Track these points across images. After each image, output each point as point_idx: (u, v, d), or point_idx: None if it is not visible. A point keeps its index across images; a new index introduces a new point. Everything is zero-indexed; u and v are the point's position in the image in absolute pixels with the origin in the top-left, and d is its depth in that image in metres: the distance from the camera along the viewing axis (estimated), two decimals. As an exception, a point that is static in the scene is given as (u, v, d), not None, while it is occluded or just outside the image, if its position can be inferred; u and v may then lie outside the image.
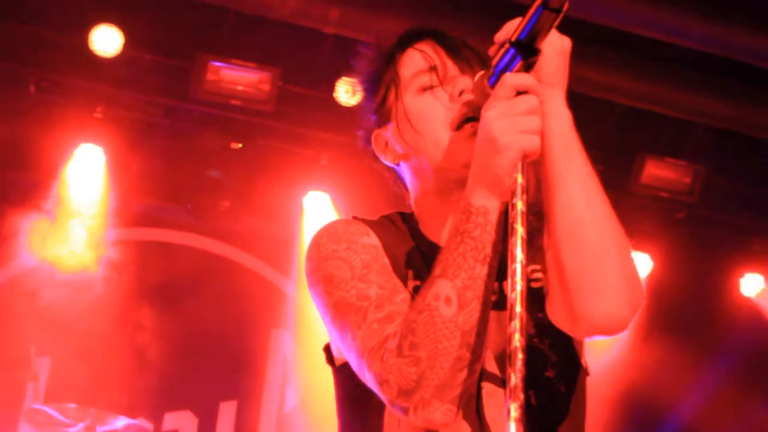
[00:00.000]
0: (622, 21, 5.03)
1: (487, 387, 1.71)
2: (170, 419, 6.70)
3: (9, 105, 6.08)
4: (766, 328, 7.01)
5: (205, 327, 6.72)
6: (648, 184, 6.33)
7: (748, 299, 7.06)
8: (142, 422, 5.34)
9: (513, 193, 1.50)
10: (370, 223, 1.89)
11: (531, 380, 1.57)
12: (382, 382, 1.60)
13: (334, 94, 5.93)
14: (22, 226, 6.31)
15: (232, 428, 6.89)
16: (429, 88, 1.83)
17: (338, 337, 1.75)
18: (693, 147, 6.28)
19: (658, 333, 6.61)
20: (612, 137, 6.03)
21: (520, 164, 1.50)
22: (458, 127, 1.74)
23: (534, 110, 1.52)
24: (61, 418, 5.04)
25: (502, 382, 1.65)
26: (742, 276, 7.04)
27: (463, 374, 1.56)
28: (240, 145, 6.41)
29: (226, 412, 6.87)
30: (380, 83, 1.92)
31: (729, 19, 5.09)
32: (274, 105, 5.97)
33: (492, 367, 1.71)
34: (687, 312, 6.87)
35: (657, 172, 6.33)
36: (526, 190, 1.50)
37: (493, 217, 1.57)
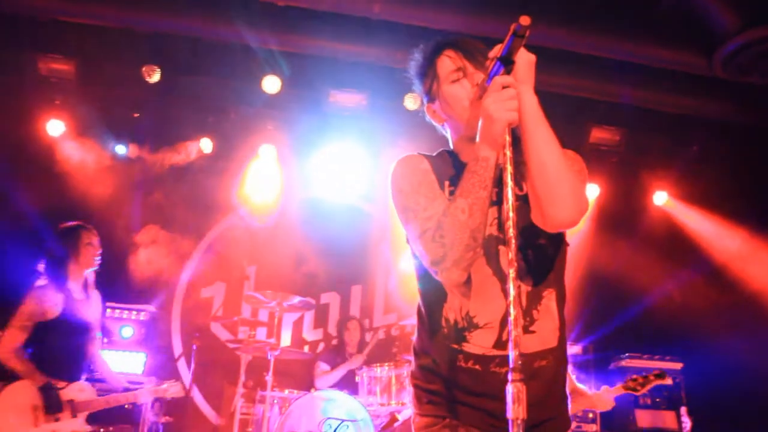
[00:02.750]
0: (567, 44, 4.92)
1: (503, 249, 1.68)
2: (324, 297, 6.73)
3: (220, 125, 6.17)
4: (671, 224, 6.78)
5: (343, 242, 6.56)
6: (594, 142, 6.20)
7: (658, 207, 6.88)
8: (308, 299, 5.26)
9: (504, 146, 1.51)
10: (428, 156, 1.84)
11: (530, 245, 1.69)
12: (422, 256, 1.64)
13: (403, 103, 5.81)
14: (234, 193, 6.46)
15: (360, 301, 6.83)
16: (457, 80, 1.76)
17: (404, 227, 1.74)
18: (621, 118, 6.10)
19: (604, 229, 6.54)
20: (571, 115, 5.91)
21: (507, 129, 1.52)
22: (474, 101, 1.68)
23: (513, 97, 1.53)
24: (263, 298, 5.07)
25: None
26: (653, 193, 6.86)
27: (470, 253, 1.58)
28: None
29: (356, 291, 6.87)
30: (426, 76, 1.84)
31: (638, 39, 4.90)
32: (368, 112, 5.95)
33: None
34: (621, 216, 6.73)
35: (599, 134, 6.20)
36: (511, 144, 1.51)
37: (492, 162, 1.58)
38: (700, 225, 6.65)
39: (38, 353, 3.89)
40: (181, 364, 6.13)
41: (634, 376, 4.07)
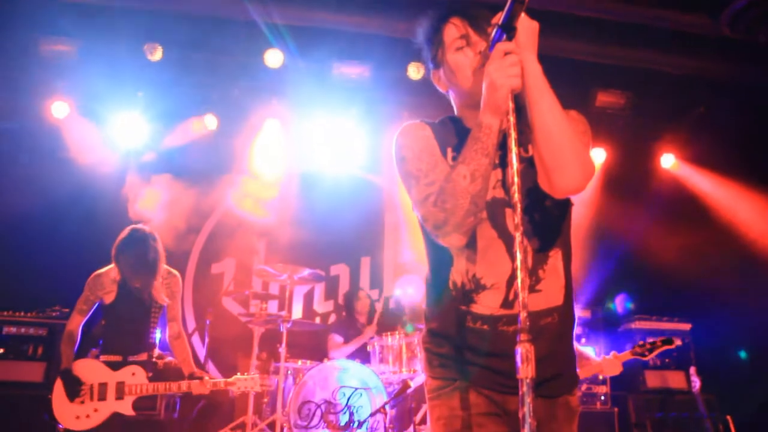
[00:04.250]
0: (571, 8, 4.87)
1: (508, 211, 1.70)
2: (333, 269, 6.77)
3: (224, 100, 6.12)
4: (678, 186, 6.79)
5: (351, 214, 6.53)
6: (600, 106, 6.16)
7: (665, 170, 6.89)
8: (318, 272, 5.30)
9: (507, 113, 1.52)
10: (431, 123, 1.84)
11: (536, 207, 1.71)
12: (424, 221, 1.66)
13: (407, 74, 5.78)
14: (240, 168, 6.43)
15: (369, 273, 6.86)
16: (461, 48, 1.77)
17: (407, 193, 1.75)
18: (625, 82, 6.05)
19: (611, 193, 6.53)
20: (577, 80, 5.87)
21: (510, 96, 1.53)
22: (477, 69, 1.69)
23: (515, 63, 1.54)
24: (273, 271, 5.12)
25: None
26: (661, 155, 6.86)
27: (470, 218, 1.60)
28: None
29: (365, 263, 6.89)
30: (432, 43, 1.84)
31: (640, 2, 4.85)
32: (372, 82, 5.89)
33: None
34: (629, 180, 6.73)
35: (604, 98, 6.15)
36: (514, 110, 1.51)
37: (495, 128, 1.58)
38: (708, 186, 6.66)
39: (97, 333, 4.27)
40: (195, 340, 6.23)
41: (642, 342, 4.17)
